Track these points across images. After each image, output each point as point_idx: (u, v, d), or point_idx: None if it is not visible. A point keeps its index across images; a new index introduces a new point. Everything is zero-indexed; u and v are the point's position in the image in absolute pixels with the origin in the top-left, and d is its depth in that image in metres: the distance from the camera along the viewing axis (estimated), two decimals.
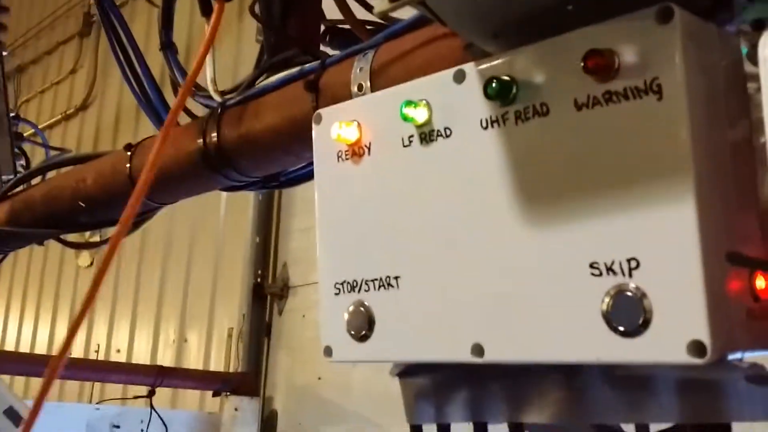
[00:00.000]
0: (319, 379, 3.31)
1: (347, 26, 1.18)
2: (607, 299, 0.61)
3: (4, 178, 1.92)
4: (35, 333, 5.51)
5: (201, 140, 1.26)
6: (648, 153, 0.60)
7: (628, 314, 0.60)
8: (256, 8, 1.20)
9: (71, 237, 1.98)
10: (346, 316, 0.79)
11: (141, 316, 4.50)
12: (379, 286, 0.77)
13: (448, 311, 0.71)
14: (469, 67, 0.73)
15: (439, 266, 0.73)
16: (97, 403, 3.72)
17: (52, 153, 2.71)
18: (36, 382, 4.78)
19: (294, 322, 3.57)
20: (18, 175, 1.90)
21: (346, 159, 0.82)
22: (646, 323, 0.59)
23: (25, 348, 5.48)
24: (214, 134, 1.24)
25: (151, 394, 3.16)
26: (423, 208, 0.75)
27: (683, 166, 0.58)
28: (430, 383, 0.81)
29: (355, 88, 1.01)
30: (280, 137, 1.16)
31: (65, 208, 1.57)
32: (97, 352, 4.75)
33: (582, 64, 0.63)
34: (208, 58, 1.22)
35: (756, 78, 0.60)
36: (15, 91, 6.00)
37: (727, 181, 0.61)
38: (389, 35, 1.02)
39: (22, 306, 5.72)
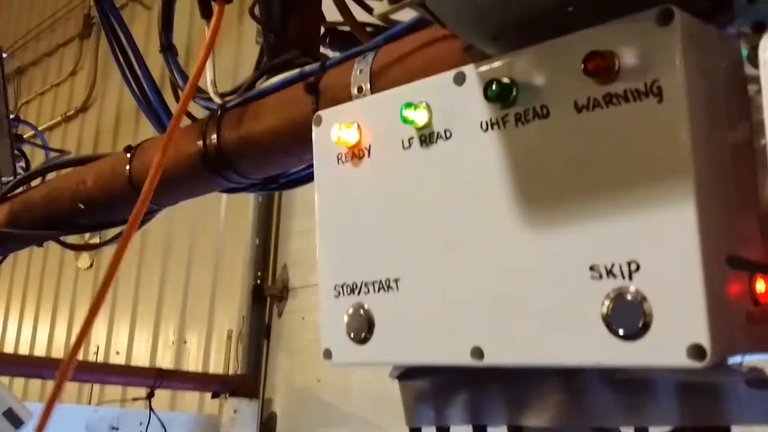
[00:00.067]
0: (319, 381, 3.31)
1: (347, 28, 1.18)
2: (606, 302, 0.61)
3: (3, 179, 1.92)
4: (34, 335, 5.51)
5: (201, 142, 1.26)
6: (648, 155, 0.60)
7: (628, 317, 0.59)
8: (256, 10, 1.20)
9: (71, 239, 1.98)
10: (345, 318, 0.79)
11: (140, 317, 4.50)
12: (379, 289, 0.77)
13: (447, 314, 0.71)
14: (469, 69, 0.73)
15: (438, 269, 0.73)
16: (96, 405, 3.72)
17: (52, 155, 2.71)
18: (35, 384, 4.78)
19: (294, 324, 3.56)
20: (18, 176, 1.90)
21: (346, 161, 0.82)
22: (646, 326, 0.59)
23: (24, 350, 5.48)
24: (214, 136, 1.24)
25: (150, 396, 3.16)
26: (423, 211, 0.75)
27: (683, 168, 0.58)
28: (430, 386, 0.81)
29: (355, 90, 1.01)
30: (280, 139, 1.16)
31: (65, 210, 1.57)
32: (96, 353, 4.75)
33: (582, 66, 0.63)
34: (208, 61, 1.22)
35: (756, 80, 0.59)
36: (15, 92, 6.00)
37: (728, 183, 0.61)
38: (389, 37, 1.02)
39: (21, 307, 5.72)
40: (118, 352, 4.59)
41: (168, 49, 1.38)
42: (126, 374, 3.45)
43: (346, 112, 0.84)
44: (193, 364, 3.99)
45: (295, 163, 1.26)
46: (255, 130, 1.18)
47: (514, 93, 0.68)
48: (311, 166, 0.87)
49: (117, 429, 3.21)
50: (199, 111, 1.34)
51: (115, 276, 0.89)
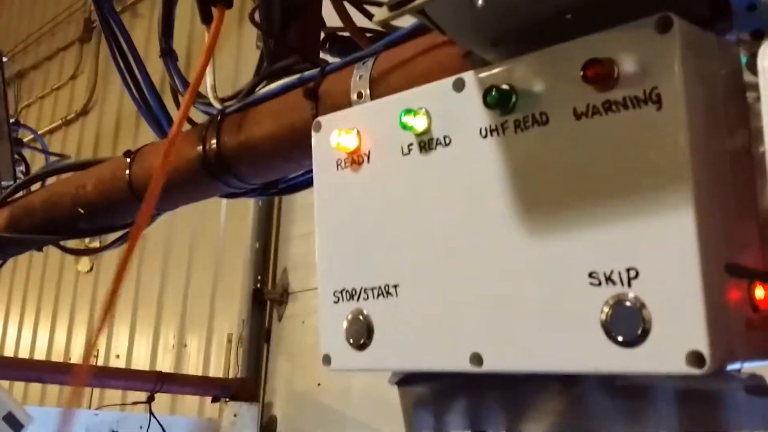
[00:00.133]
0: (319, 385, 3.30)
1: (347, 33, 1.18)
2: (606, 309, 0.61)
3: (3, 183, 1.92)
4: (34, 338, 5.50)
5: (200, 147, 1.26)
6: (647, 162, 0.60)
7: (627, 324, 0.60)
8: (256, 16, 1.20)
9: (71, 243, 1.98)
10: (345, 324, 0.79)
11: (140, 321, 4.49)
12: (378, 295, 0.77)
13: (446, 320, 0.71)
14: (468, 76, 0.73)
15: (437, 275, 0.73)
16: (96, 409, 3.71)
17: (52, 159, 2.72)
18: (35, 388, 4.78)
19: (294, 328, 3.56)
20: (18, 181, 1.90)
21: (346, 167, 0.82)
22: (645, 333, 0.59)
23: (24, 353, 5.47)
24: (214, 141, 1.24)
25: (150, 400, 3.15)
26: (422, 217, 0.75)
27: (682, 175, 0.58)
28: (429, 392, 0.81)
29: (354, 96, 1.01)
30: (279, 144, 1.16)
31: (65, 215, 1.57)
32: (96, 357, 4.75)
33: (581, 73, 0.63)
34: (209, 66, 1.22)
35: (755, 87, 0.60)
36: (15, 96, 6.01)
37: (726, 190, 0.61)
38: (389, 43, 1.02)
39: (21, 311, 5.71)
40: (118, 356, 4.58)
41: (168, 54, 1.38)
42: (126, 378, 3.45)
43: (345, 118, 0.84)
44: (193, 367, 3.99)
45: (295, 169, 1.26)
46: (255, 136, 1.18)
47: (514, 100, 0.68)
48: (311, 171, 0.87)
49: None
50: (198, 116, 1.34)
51: (122, 283, 0.89)
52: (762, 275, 0.59)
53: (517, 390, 0.73)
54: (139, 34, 4.11)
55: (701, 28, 0.63)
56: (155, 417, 3.16)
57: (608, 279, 0.61)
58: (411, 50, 0.98)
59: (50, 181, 1.82)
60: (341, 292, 0.80)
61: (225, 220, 4.00)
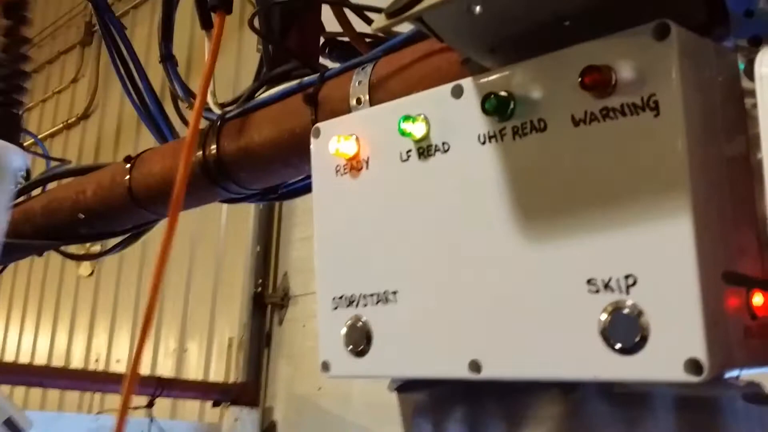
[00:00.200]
0: (319, 389, 3.30)
1: (347, 39, 1.19)
2: (604, 316, 0.61)
3: None
4: (35, 343, 5.50)
5: (200, 153, 1.26)
6: (645, 169, 0.60)
7: (625, 331, 0.60)
8: (256, 22, 1.20)
9: (72, 248, 1.98)
10: (343, 330, 0.79)
11: (141, 325, 4.49)
12: (377, 301, 0.77)
13: (445, 327, 0.71)
14: (466, 82, 0.73)
15: (436, 282, 0.73)
16: (96, 414, 3.71)
17: (53, 163, 2.71)
18: (35, 393, 4.78)
19: (294, 332, 3.56)
20: (18, 186, 1.90)
21: (344, 173, 0.82)
22: (643, 341, 0.59)
23: (25, 358, 5.47)
24: (214, 147, 1.24)
25: (150, 405, 3.15)
26: (420, 223, 0.75)
27: (680, 182, 0.58)
28: (428, 399, 0.81)
29: (353, 102, 1.01)
30: (279, 150, 1.16)
31: (65, 220, 1.57)
32: (97, 362, 4.75)
33: (579, 80, 0.63)
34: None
35: (753, 94, 0.60)
36: None
37: (724, 197, 0.61)
38: (388, 49, 1.02)
39: (22, 316, 5.71)
40: (118, 361, 4.58)
41: (168, 59, 1.38)
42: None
43: (344, 124, 0.84)
44: (193, 371, 3.99)
45: (294, 174, 1.26)
46: (254, 141, 1.18)
47: (512, 106, 0.69)
48: (311, 176, 0.87)
49: None
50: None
51: (157, 299, 0.89)
52: (759, 283, 0.59)
53: (515, 397, 0.73)
54: (139, 39, 4.12)
55: (699, 34, 0.63)
56: (156, 422, 3.16)
57: (606, 286, 0.61)
58: (410, 56, 0.98)
59: (51, 186, 1.82)
60: (340, 299, 0.80)
61: (225, 224, 4.00)
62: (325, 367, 0.81)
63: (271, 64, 1.25)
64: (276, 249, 3.77)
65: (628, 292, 0.60)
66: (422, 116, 0.75)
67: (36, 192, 1.81)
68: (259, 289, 3.69)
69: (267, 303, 3.68)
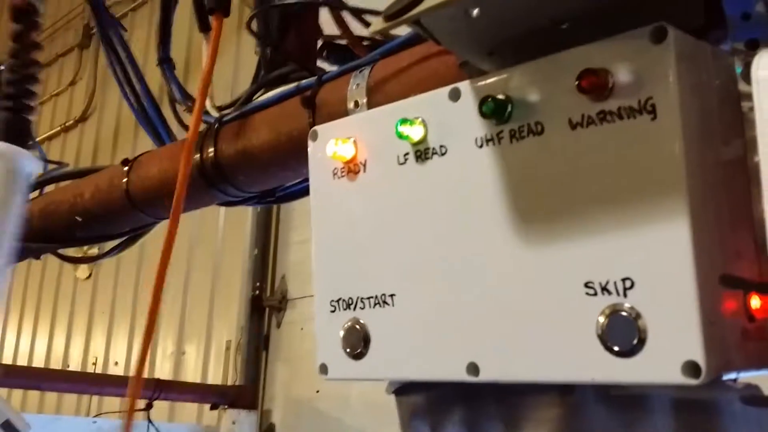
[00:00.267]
0: (318, 392, 3.30)
1: (344, 42, 1.19)
2: (601, 319, 0.61)
3: None
4: (33, 346, 5.50)
5: (198, 156, 1.26)
6: (642, 172, 0.60)
7: (623, 334, 0.60)
8: (253, 25, 1.21)
9: (70, 251, 1.98)
10: (341, 333, 0.79)
11: (139, 328, 4.48)
12: (375, 304, 0.77)
13: (443, 330, 0.71)
14: (464, 86, 0.73)
15: (433, 284, 0.73)
16: (94, 417, 3.70)
17: (50, 166, 2.71)
18: (33, 395, 4.77)
19: (292, 335, 3.56)
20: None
21: (342, 176, 0.82)
22: (641, 343, 0.59)
23: (22, 361, 5.46)
24: (211, 150, 1.24)
25: (148, 407, 3.15)
26: (418, 227, 0.75)
27: (677, 185, 0.58)
28: (426, 401, 0.81)
29: (351, 105, 1.01)
30: (276, 153, 1.16)
31: (62, 223, 1.57)
32: (94, 364, 4.74)
33: (576, 83, 0.63)
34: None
35: (750, 97, 0.60)
36: None
37: (721, 200, 0.61)
38: (385, 52, 1.02)
39: (20, 318, 5.71)
40: (116, 363, 4.58)
41: (165, 62, 1.38)
42: (124, 385, 3.44)
43: (341, 127, 0.84)
44: (191, 374, 3.98)
45: (292, 177, 1.26)
46: (252, 144, 1.18)
47: (509, 109, 0.69)
48: (308, 179, 0.87)
49: None
50: None
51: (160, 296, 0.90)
52: (755, 286, 0.59)
53: (513, 400, 0.73)
54: (137, 42, 4.12)
55: (696, 37, 0.63)
56: (153, 424, 3.15)
57: (604, 289, 0.61)
58: (407, 59, 0.98)
59: (48, 189, 1.82)
60: (337, 302, 0.80)
61: (223, 227, 4.00)
62: (323, 369, 0.81)
63: (269, 66, 1.25)
64: (274, 252, 3.76)
65: (625, 295, 0.60)
66: (420, 119, 0.75)
67: (33, 195, 1.81)
68: (257, 292, 3.68)
69: (265, 306, 3.68)
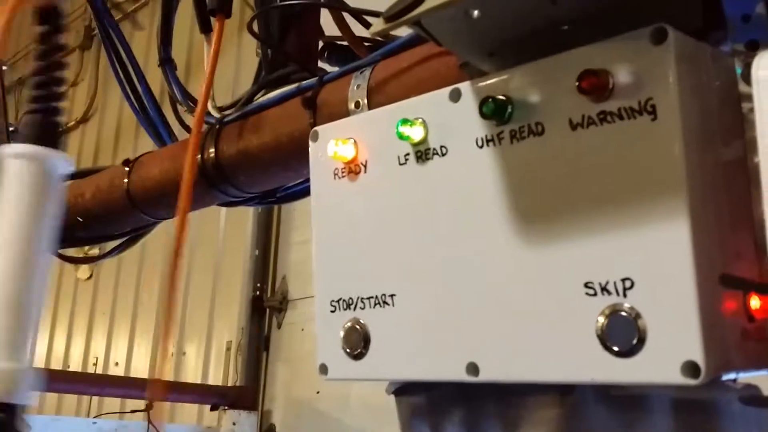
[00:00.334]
0: (318, 393, 3.30)
1: (345, 42, 1.19)
2: (601, 319, 0.61)
3: None
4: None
5: (199, 156, 1.26)
6: (642, 173, 0.61)
7: (623, 334, 0.60)
8: (254, 26, 1.21)
9: (70, 251, 1.98)
10: (341, 333, 0.79)
11: (140, 328, 4.49)
12: (375, 304, 0.77)
13: (442, 330, 0.71)
14: (464, 86, 0.73)
15: (434, 284, 0.73)
16: (94, 417, 3.71)
17: None
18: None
19: (293, 336, 3.56)
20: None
21: (343, 176, 0.82)
22: (641, 343, 0.59)
23: None
24: (212, 150, 1.24)
25: (149, 408, 3.15)
26: (418, 227, 0.75)
27: (677, 186, 0.58)
28: (426, 401, 0.81)
29: (352, 106, 1.02)
30: (277, 153, 1.16)
31: (63, 223, 1.57)
32: (95, 365, 4.74)
33: (577, 84, 0.63)
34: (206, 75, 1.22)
35: (750, 97, 0.60)
36: (16, 103, 6.01)
37: (721, 200, 0.61)
38: (386, 53, 1.02)
39: None
40: (117, 364, 4.58)
41: (167, 62, 1.39)
42: (125, 386, 3.44)
43: (342, 127, 0.85)
44: (192, 375, 3.98)
45: (293, 178, 1.26)
46: (253, 145, 1.18)
47: (510, 110, 0.69)
48: (309, 180, 0.87)
49: None
50: None
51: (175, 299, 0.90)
52: (755, 286, 0.59)
53: (513, 400, 0.73)
54: (138, 43, 4.12)
55: (696, 39, 0.63)
56: (154, 425, 3.15)
57: (604, 289, 0.62)
58: (408, 60, 0.98)
59: None
60: (338, 302, 0.80)
61: (224, 228, 4.00)
62: (323, 369, 0.82)
63: (270, 67, 1.25)
64: (275, 252, 3.76)
65: (625, 295, 0.60)
66: (420, 120, 0.75)
67: None
68: (258, 292, 3.69)
69: (265, 307, 3.68)
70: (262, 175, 1.23)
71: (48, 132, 0.90)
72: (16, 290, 0.82)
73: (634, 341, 0.59)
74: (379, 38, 1.09)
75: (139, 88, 1.43)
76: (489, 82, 0.71)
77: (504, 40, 0.70)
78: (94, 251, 3.49)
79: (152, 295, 4.41)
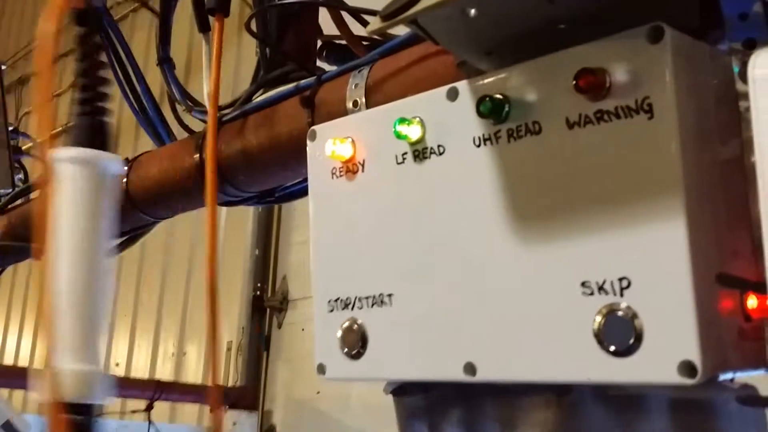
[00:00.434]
0: (318, 393, 3.30)
1: (344, 42, 1.19)
2: (598, 318, 0.61)
3: (1, 192, 1.92)
4: (34, 346, 5.50)
5: (197, 155, 1.26)
6: (639, 172, 0.60)
7: (620, 334, 0.60)
8: (253, 24, 1.20)
9: None
10: (339, 333, 0.79)
11: (140, 329, 4.49)
12: (372, 304, 0.77)
13: (440, 330, 0.71)
14: (461, 85, 0.73)
15: (431, 284, 0.73)
16: (95, 417, 3.70)
17: None
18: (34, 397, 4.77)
19: (293, 336, 3.56)
20: (16, 189, 1.90)
21: (340, 176, 0.82)
22: (638, 343, 0.59)
23: (23, 361, 5.47)
24: None
25: (149, 408, 3.15)
26: (416, 226, 0.75)
27: (674, 185, 0.58)
28: (424, 401, 0.81)
29: (350, 105, 1.01)
30: (276, 153, 1.16)
31: None
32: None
33: (574, 82, 0.63)
34: (205, 74, 1.22)
35: (747, 96, 0.59)
36: (16, 102, 6.02)
37: (718, 199, 0.61)
38: (384, 52, 1.02)
39: (21, 319, 5.71)
40: (117, 364, 4.58)
41: (165, 62, 1.38)
42: (125, 386, 3.44)
43: (340, 126, 0.84)
44: (192, 375, 3.99)
45: (292, 177, 1.26)
46: (251, 144, 1.18)
47: (507, 109, 0.69)
48: (308, 179, 0.87)
49: None
50: (196, 124, 1.34)
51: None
52: (752, 285, 0.59)
53: (510, 400, 0.73)
54: (139, 39, 4.12)
55: (693, 37, 0.63)
56: (154, 425, 3.15)
57: (601, 288, 0.61)
58: (406, 59, 0.98)
59: None
60: (336, 301, 0.80)
61: (224, 228, 4.00)
62: (321, 369, 0.82)
63: (268, 66, 1.25)
64: (275, 252, 3.77)
65: (622, 295, 0.60)
66: (418, 119, 0.75)
67: (33, 195, 1.81)
68: (258, 292, 3.69)
69: (266, 306, 3.68)
70: (261, 174, 1.23)
71: (98, 134, 0.91)
72: (86, 294, 0.84)
73: (631, 341, 0.59)
74: (378, 37, 1.08)
75: (138, 88, 1.43)
76: (486, 81, 0.71)
77: (501, 38, 0.70)
78: None
79: (152, 294, 4.42)
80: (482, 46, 0.72)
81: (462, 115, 0.72)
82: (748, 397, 0.62)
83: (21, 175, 2.36)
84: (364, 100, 1.00)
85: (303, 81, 1.13)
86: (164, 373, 4.13)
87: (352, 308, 0.79)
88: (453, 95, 0.74)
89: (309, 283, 0.83)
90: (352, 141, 0.81)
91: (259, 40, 1.24)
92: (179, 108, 1.40)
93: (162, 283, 4.38)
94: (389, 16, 0.63)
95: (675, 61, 0.60)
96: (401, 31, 0.95)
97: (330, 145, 0.81)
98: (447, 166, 0.73)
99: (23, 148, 2.63)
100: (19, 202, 1.78)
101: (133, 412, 3.35)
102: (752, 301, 0.60)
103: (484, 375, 0.68)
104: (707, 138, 0.61)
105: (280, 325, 3.64)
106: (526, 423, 0.72)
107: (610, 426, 0.69)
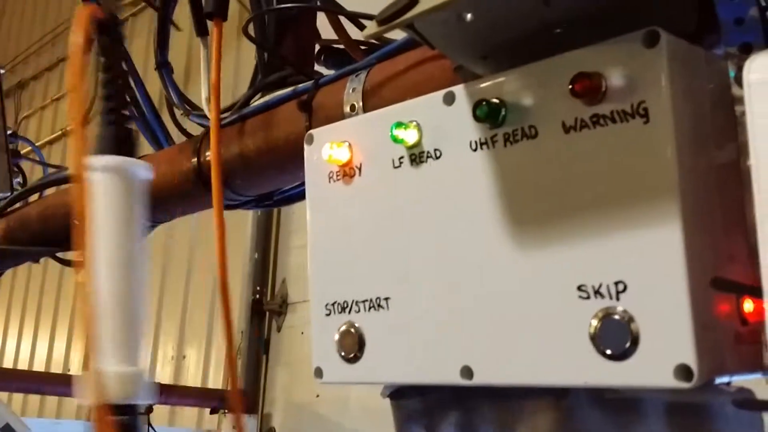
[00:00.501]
0: (318, 396, 3.30)
1: (342, 46, 1.19)
2: (594, 322, 0.61)
3: (0, 195, 1.92)
4: (33, 349, 5.50)
5: (195, 159, 1.26)
6: (635, 176, 0.61)
7: (616, 337, 0.60)
8: (250, 28, 1.21)
9: (70, 254, 1.98)
10: (336, 337, 0.80)
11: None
12: (369, 308, 0.77)
13: (437, 333, 0.71)
14: (458, 89, 0.73)
15: (427, 288, 0.73)
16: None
17: (50, 170, 2.72)
18: (33, 399, 4.77)
19: (293, 339, 3.56)
20: (15, 192, 1.90)
21: (338, 179, 0.82)
22: (634, 347, 0.59)
23: (23, 364, 5.46)
24: (209, 153, 1.24)
25: (148, 411, 3.14)
26: (413, 230, 0.75)
27: (669, 189, 0.58)
28: (421, 405, 0.81)
29: (347, 109, 1.01)
30: (274, 157, 1.16)
31: (61, 226, 1.57)
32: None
33: (570, 87, 0.63)
34: (203, 78, 1.22)
35: (743, 101, 0.60)
36: (15, 106, 6.02)
37: (714, 203, 0.61)
38: (381, 56, 1.02)
39: (20, 322, 5.71)
40: None
41: (163, 66, 1.39)
42: None
43: (337, 130, 0.85)
44: (192, 378, 3.98)
45: (290, 181, 1.26)
46: (249, 148, 1.18)
47: (503, 113, 0.69)
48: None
49: None
50: (194, 128, 1.34)
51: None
52: (747, 289, 0.59)
53: (507, 403, 0.73)
54: (139, 43, 4.13)
55: (689, 42, 0.63)
56: (154, 429, 3.15)
57: (597, 292, 0.62)
58: (403, 63, 0.98)
59: (48, 192, 1.82)
60: (333, 305, 0.81)
61: None
62: (318, 373, 0.82)
63: (266, 70, 1.25)
64: (274, 256, 3.76)
65: (618, 299, 0.60)
66: (414, 123, 0.75)
67: (33, 198, 1.81)
68: (258, 296, 3.68)
69: (265, 310, 3.68)
70: (258, 178, 1.23)
71: (125, 141, 0.94)
72: (126, 298, 0.87)
73: (627, 344, 0.59)
74: (375, 42, 1.08)
75: (137, 92, 1.43)
76: (482, 85, 0.71)
77: (497, 43, 0.70)
78: None
79: (151, 297, 4.41)
80: (478, 51, 0.72)
81: (459, 119, 0.72)
82: (745, 400, 0.62)
83: (19, 179, 2.36)
84: (361, 104, 1.00)
85: (301, 85, 1.14)
86: (164, 376, 4.13)
87: (349, 312, 0.79)
88: (450, 99, 0.74)
89: (308, 287, 0.83)
90: (349, 145, 0.81)
91: (256, 44, 1.24)
92: (177, 112, 1.40)
93: (161, 286, 4.38)
94: (385, 20, 0.63)
95: (671, 65, 0.60)
96: (399, 35, 0.95)
97: (327, 148, 0.81)
98: (444, 170, 0.73)
99: (23, 152, 2.64)
100: (17, 205, 1.78)
101: None
102: (748, 305, 0.60)
103: (480, 379, 0.68)
104: (703, 142, 0.61)
105: (279, 329, 3.64)
106: (524, 427, 0.72)
107: (607, 429, 0.69)
